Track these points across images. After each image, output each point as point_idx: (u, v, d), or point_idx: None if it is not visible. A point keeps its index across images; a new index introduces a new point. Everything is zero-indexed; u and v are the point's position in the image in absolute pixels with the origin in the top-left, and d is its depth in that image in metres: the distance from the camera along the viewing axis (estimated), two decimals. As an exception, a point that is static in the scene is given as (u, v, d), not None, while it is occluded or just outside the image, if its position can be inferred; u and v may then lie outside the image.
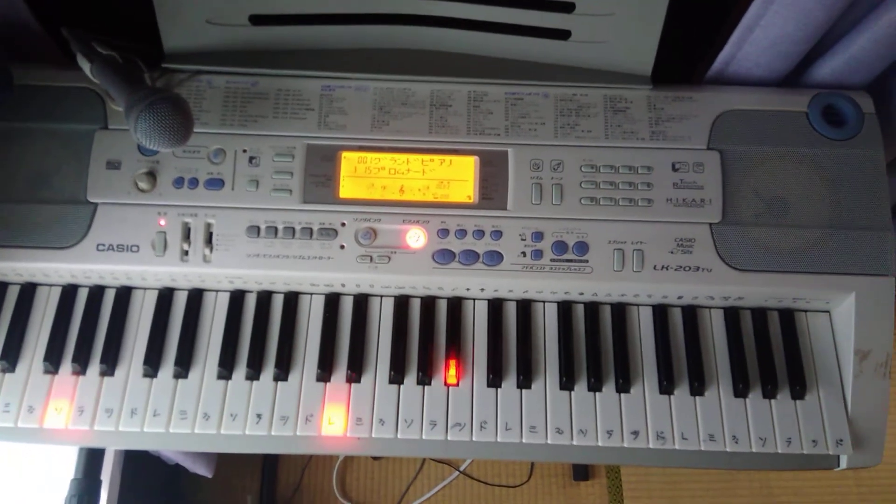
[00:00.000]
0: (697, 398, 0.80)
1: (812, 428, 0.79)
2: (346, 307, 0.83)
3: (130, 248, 0.78)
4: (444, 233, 0.80)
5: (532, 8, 0.80)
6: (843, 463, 0.79)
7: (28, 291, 0.82)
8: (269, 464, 1.64)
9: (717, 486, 1.67)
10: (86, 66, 0.76)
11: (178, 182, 0.80)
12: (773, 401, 0.80)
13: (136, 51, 0.80)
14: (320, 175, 0.81)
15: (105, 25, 0.81)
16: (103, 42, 0.78)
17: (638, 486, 1.67)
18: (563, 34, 0.82)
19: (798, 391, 0.80)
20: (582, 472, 1.67)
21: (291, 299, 0.83)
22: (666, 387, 0.80)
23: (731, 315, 0.84)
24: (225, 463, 1.57)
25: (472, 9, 0.81)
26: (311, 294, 0.84)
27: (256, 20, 0.81)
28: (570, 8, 0.80)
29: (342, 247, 0.80)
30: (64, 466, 0.93)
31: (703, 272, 0.80)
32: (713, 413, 0.79)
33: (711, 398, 0.80)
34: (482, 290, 0.83)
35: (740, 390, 0.80)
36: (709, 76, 0.88)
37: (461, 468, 1.67)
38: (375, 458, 1.67)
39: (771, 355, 0.82)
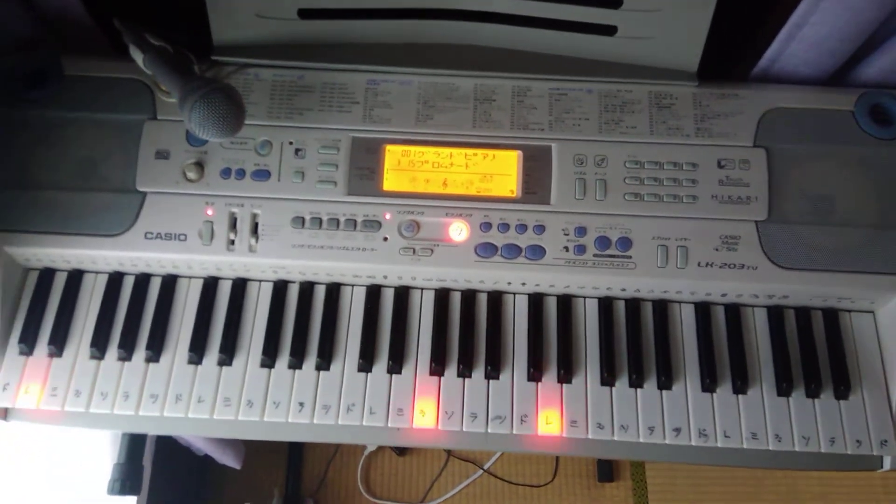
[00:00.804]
0: (740, 396, 0.79)
1: (856, 428, 0.78)
2: (387, 299, 0.84)
3: (178, 236, 0.79)
4: (486, 226, 0.81)
5: (578, 3, 0.80)
6: (888, 464, 0.78)
7: (75, 278, 0.84)
8: (295, 457, 1.65)
9: (743, 488, 1.66)
10: (139, 57, 0.77)
11: (226, 173, 0.81)
12: (816, 400, 0.80)
13: (186, 42, 0.81)
14: (364, 168, 0.82)
15: (155, 17, 0.82)
16: (154, 33, 0.78)
17: (663, 487, 1.66)
18: (610, 30, 0.82)
19: (842, 391, 0.79)
20: (607, 473, 1.66)
21: (333, 290, 0.84)
22: (708, 384, 0.79)
23: (775, 313, 0.83)
24: (252, 455, 1.58)
25: (518, 4, 0.81)
26: (353, 286, 0.84)
27: (304, 14, 0.82)
28: (617, 4, 0.80)
29: (385, 239, 0.80)
30: (102, 452, 0.94)
31: (748, 270, 0.79)
32: (756, 411, 0.79)
33: (754, 396, 0.79)
34: (523, 284, 0.83)
35: (783, 389, 0.79)
36: (754, 73, 0.87)
37: (485, 466, 1.67)
38: (400, 454, 1.68)
39: (815, 354, 0.81)
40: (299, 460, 1.65)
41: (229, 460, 1.34)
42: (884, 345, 0.82)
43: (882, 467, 0.79)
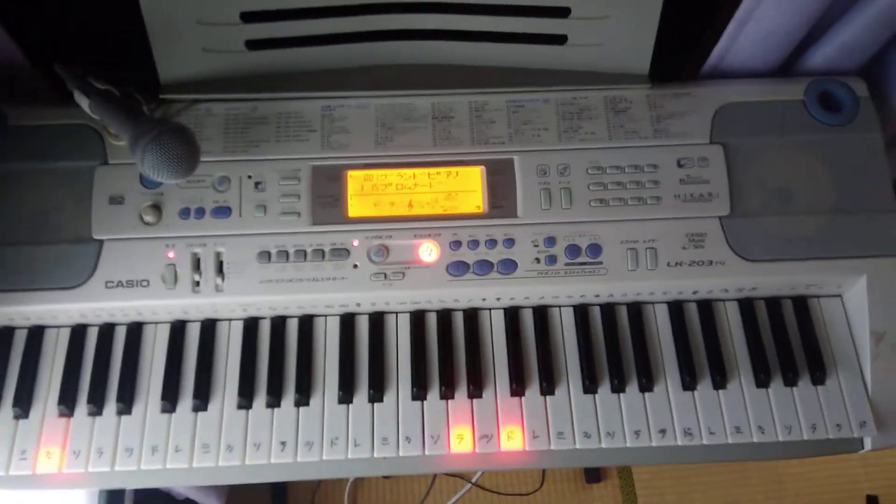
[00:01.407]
0: (721, 392, 0.80)
1: (835, 412, 0.79)
2: (362, 327, 0.82)
3: (140, 283, 0.77)
4: (456, 244, 0.80)
5: (527, 15, 0.81)
6: (868, 444, 0.80)
7: (36, 335, 0.81)
8: (280, 491, 1.61)
9: (728, 477, 1.68)
10: (84, 101, 0.74)
11: (185, 213, 0.79)
12: (794, 388, 0.80)
13: (132, 82, 0.79)
14: (328, 196, 0.81)
15: (98, 58, 0.80)
16: (99, 76, 0.76)
17: (650, 483, 1.67)
18: (560, 39, 0.83)
19: (818, 377, 0.81)
20: (594, 475, 1.67)
21: (306, 323, 0.82)
22: (689, 382, 0.80)
23: (746, 306, 0.84)
24: (234, 492, 1.54)
25: (468, 20, 0.81)
26: (326, 316, 0.83)
27: (252, 45, 0.80)
28: (565, 13, 0.80)
29: (355, 266, 0.79)
30: (82, 510, 0.91)
31: (716, 265, 0.80)
32: (737, 405, 0.79)
33: (734, 391, 0.80)
34: (498, 299, 0.82)
35: (762, 380, 0.80)
36: (704, 70, 0.88)
37: (473, 480, 1.66)
38: (386, 476, 1.66)
39: (789, 343, 0.82)
40: (284, 492, 1.62)
41: (212, 501, 1.31)
42: (853, 327, 0.84)
43: (863, 448, 0.80)
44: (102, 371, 0.79)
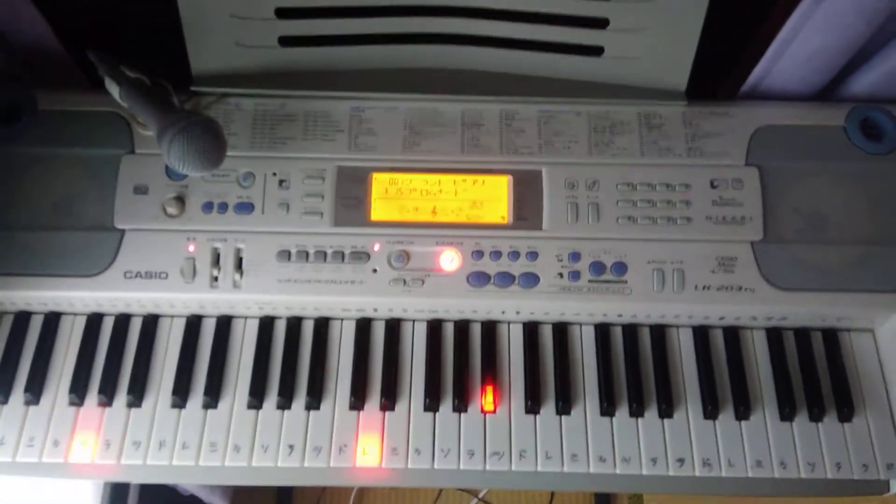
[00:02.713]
0: (743, 423, 0.77)
1: (861, 452, 0.76)
2: (378, 332, 0.81)
3: (159, 274, 0.76)
4: (478, 254, 0.78)
5: (564, 25, 0.79)
6: (894, 487, 0.76)
7: (52, 321, 0.80)
8: (285, 493, 1.60)
9: (741, 507, 1.63)
10: (114, 89, 0.74)
11: (208, 207, 0.78)
12: (820, 424, 0.78)
13: (164, 73, 0.79)
14: (351, 197, 0.80)
15: (132, 49, 0.80)
16: (130, 65, 0.76)
17: (661, 509, 1.63)
18: (597, 50, 0.81)
19: (846, 413, 0.78)
20: (604, 497, 1.64)
21: (322, 325, 0.81)
22: (710, 411, 0.77)
23: (774, 336, 0.81)
24: (240, 492, 1.53)
25: (504, 26, 0.80)
26: (342, 319, 0.82)
27: (285, 42, 0.80)
28: (603, 24, 0.79)
29: (375, 270, 0.78)
30: (86, 500, 0.90)
31: (745, 292, 0.78)
32: (759, 438, 0.77)
33: (757, 422, 0.77)
34: (517, 312, 0.80)
35: (787, 414, 0.77)
36: (743, 90, 0.86)
37: (480, 495, 1.63)
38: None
39: (816, 377, 0.80)
40: (290, 495, 1.61)
41: (217, 500, 1.30)
42: (885, 364, 0.81)
43: (889, 490, 0.77)
44: (115, 362, 0.78)
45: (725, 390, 0.79)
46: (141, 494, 1.11)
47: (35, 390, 0.77)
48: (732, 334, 0.81)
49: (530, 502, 1.64)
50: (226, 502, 1.32)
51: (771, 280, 0.78)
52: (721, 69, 0.90)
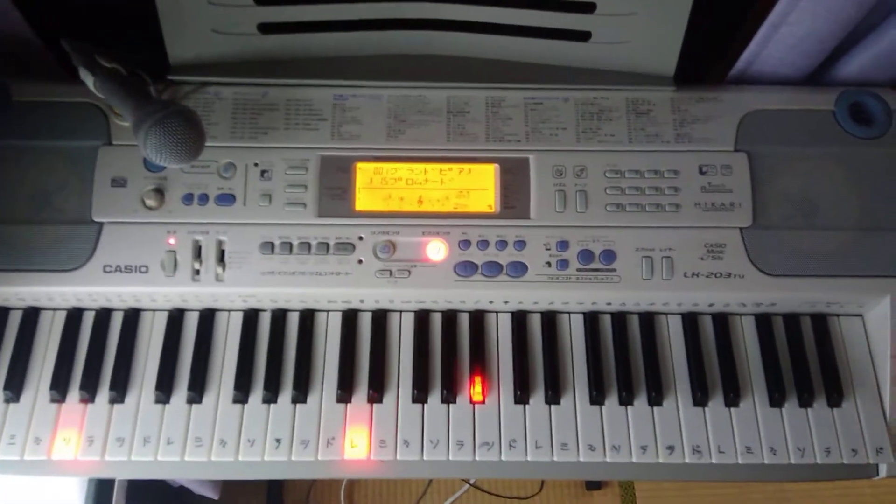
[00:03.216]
0: (732, 409, 0.77)
1: (850, 436, 0.76)
2: (365, 324, 0.80)
3: (139, 268, 0.75)
4: (465, 244, 0.77)
5: (551, 9, 0.78)
6: (883, 471, 0.77)
7: (31, 317, 0.79)
8: (275, 483, 1.60)
9: (731, 490, 1.65)
10: (89, 79, 0.72)
11: (188, 198, 0.77)
12: (809, 410, 0.77)
13: (141, 63, 0.77)
14: (335, 187, 0.78)
15: (107, 37, 0.77)
16: (106, 54, 0.74)
17: (651, 493, 1.64)
18: (584, 35, 0.80)
19: (835, 399, 0.77)
20: (595, 482, 1.64)
21: (307, 317, 0.80)
22: (700, 398, 0.77)
23: (764, 322, 0.81)
24: (230, 484, 1.52)
25: (489, 11, 0.78)
26: (328, 311, 0.80)
27: (265, 28, 0.78)
28: (590, 8, 0.77)
29: (360, 261, 0.76)
30: (71, 497, 0.89)
31: (735, 278, 0.77)
32: (749, 424, 0.76)
33: (747, 409, 0.77)
34: (506, 302, 0.80)
35: (776, 400, 0.77)
36: (731, 75, 0.85)
37: (471, 481, 1.63)
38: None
39: (806, 362, 0.79)
40: (280, 485, 1.61)
41: (207, 491, 1.29)
42: (874, 349, 0.80)
43: (878, 475, 0.77)
44: (97, 357, 0.77)
45: (715, 377, 0.78)
46: (129, 487, 1.10)
47: (15, 387, 0.75)
48: (721, 321, 0.81)
49: (521, 488, 1.64)
50: (216, 493, 1.31)
51: (760, 266, 0.78)
52: (710, 54, 0.89)
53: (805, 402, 0.77)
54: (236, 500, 1.57)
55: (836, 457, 0.76)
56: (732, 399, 0.77)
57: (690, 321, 0.81)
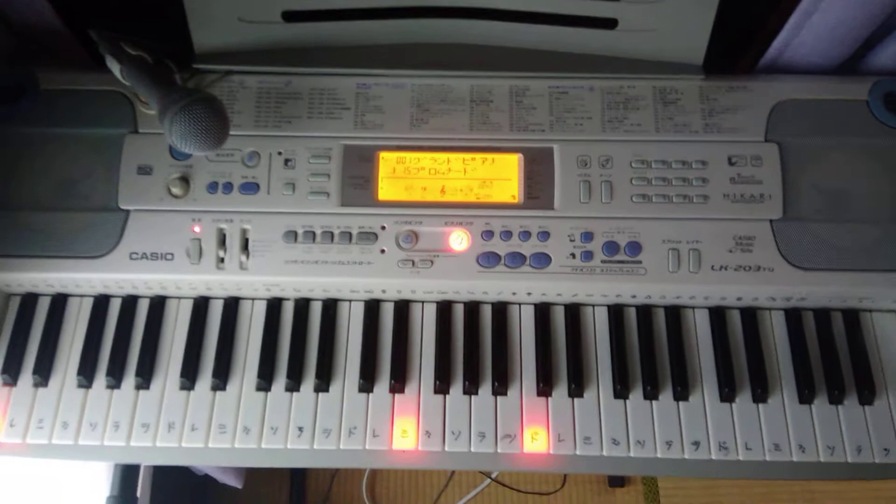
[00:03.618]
0: (760, 405, 0.75)
1: (883, 435, 0.74)
2: (387, 314, 0.80)
3: (165, 256, 0.76)
4: (488, 234, 0.77)
5: (577, -4, 0.77)
6: (916, 471, 0.75)
7: (59, 303, 0.80)
8: (298, 473, 1.61)
9: (757, 489, 1.62)
10: (115, 67, 0.73)
11: (212, 187, 0.77)
12: (839, 407, 0.76)
13: (166, 51, 0.77)
14: (358, 177, 0.78)
15: (133, 26, 0.78)
16: (132, 42, 0.75)
17: (675, 492, 1.62)
18: (610, 23, 0.78)
19: (866, 396, 0.76)
20: (618, 479, 1.63)
21: (330, 307, 0.80)
22: (727, 394, 0.75)
23: (793, 316, 0.79)
24: (253, 473, 1.54)
25: (514, -1, 0.77)
26: (351, 301, 0.80)
27: (290, 17, 0.78)
28: (617, -5, 0.76)
29: (383, 251, 0.76)
30: (98, 483, 0.90)
31: (764, 272, 0.75)
32: (778, 421, 0.75)
33: (775, 405, 0.76)
34: (529, 294, 0.79)
35: (805, 396, 0.75)
36: (762, 64, 0.83)
37: (493, 475, 1.63)
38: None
39: (837, 358, 0.78)
40: (303, 475, 1.62)
41: (230, 479, 1.31)
42: (908, 345, 0.78)
43: (911, 474, 0.75)
44: (123, 344, 0.78)
45: (742, 372, 0.77)
46: (154, 475, 1.12)
47: (44, 372, 0.77)
48: (750, 315, 0.79)
49: (543, 483, 1.63)
50: (239, 482, 1.32)
51: (790, 259, 0.76)
52: (740, 42, 0.87)
53: (835, 400, 0.76)
54: (259, 489, 1.59)
55: (868, 456, 0.74)
56: (760, 395, 0.75)
57: (718, 315, 0.79)
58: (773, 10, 0.81)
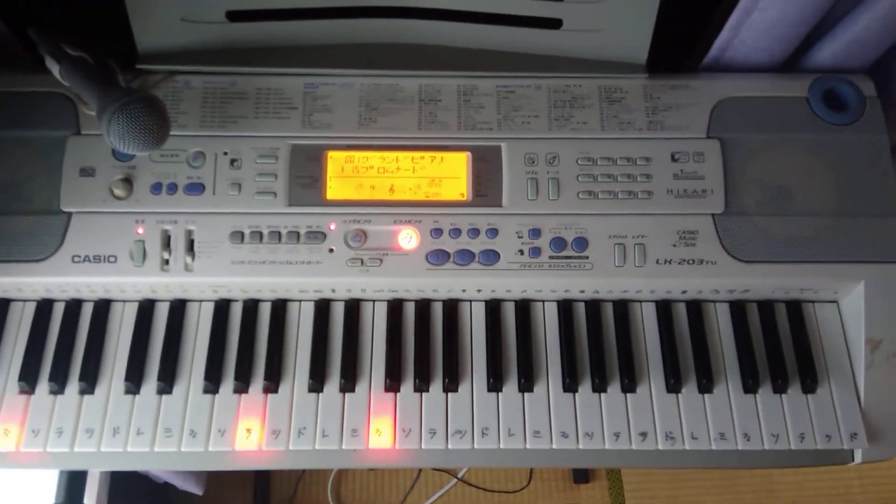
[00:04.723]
0: (706, 396, 0.77)
1: (825, 422, 0.76)
2: (338, 314, 0.80)
3: (108, 258, 0.74)
4: (437, 232, 0.77)
5: (522, -4, 0.77)
6: (858, 457, 0.76)
7: (0, 307, 0.78)
8: (262, 478, 1.59)
9: (719, 482, 1.65)
10: (54, 67, 0.71)
11: (156, 188, 0.76)
12: (783, 396, 0.77)
13: (109, 52, 0.76)
14: (306, 176, 0.78)
15: (76, 26, 0.77)
16: (73, 43, 0.73)
17: (639, 486, 1.64)
18: (555, 23, 0.79)
19: (809, 385, 0.77)
20: (582, 475, 1.64)
21: (279, 307, 0.79)
22: (673, 385, 0.77)
23: (738, 308, 0.81)
24: (216, 479, 1.52)
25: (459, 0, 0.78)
26: (300, 301, 0.80)
27: (234, 16, 0.77)
28: (561, -5, 0.77)
29: (331, 250, 0.76)
30: (44, 491, 0.89)
31: (707, 265, 0.77)
32: (723, 410, 0.76)
33: (720, 395, 0.77)
34: (479, 290, 0.79)
35: (750, 386, 0.77)
36: (705, 63, 0.85)
37: (459, 475, 1.63)
38: (371, 468, 1.63)
39: (780, 349, 0.79)
40: (266, 480, 1.60)
41: (191, 486, 1.29)
42: (848, 335, 0.80)
43: (853, 460, 0.77)
44: (66, 348, 0.76)
45: (688, 364, 0.78)
46: (112, 483, 1.10)
47: (-16, 379, 0.75)
48: (695, 308, 0.81)
49: (510, 481, 1.64)
50: (200, 489, 1.31)
51: (733, 252, 0.77)
52: (684, 42, 0.89)
53: (779, 389, 0.77)
54: (222, 494, 1.57)
55: (811, 443, 0.75)
56: (705, 385, 0.77)
57: (664, 308, 0.81)
58: (714, 9, 0.83)
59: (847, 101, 0.83)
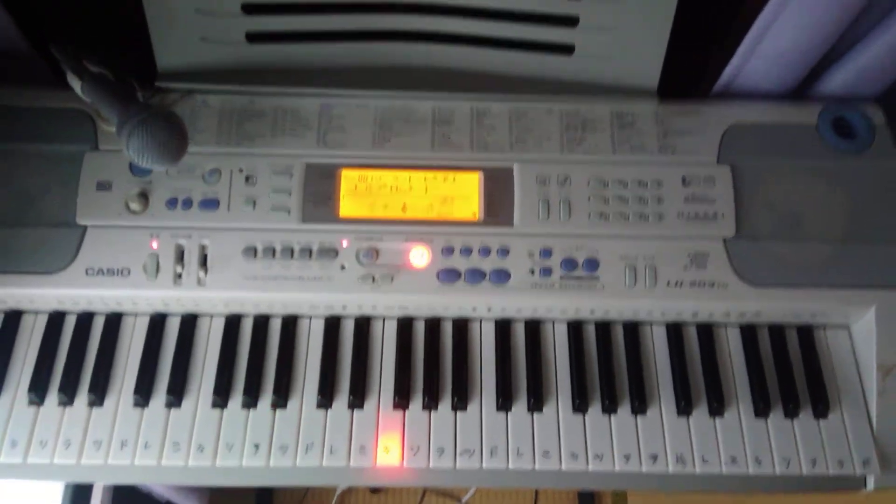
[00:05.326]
0: (717, 419, 0.76)
1: (837, 448, 0.75)
2: (347, 330, 0.80)
3: (121, 271, 0.75)
4: (448, 251, 0.78)
5: (535, 23, 0.79)
6: (871, 484, 0.76)
7: (12, 319, 0.78)
8: (264, 498, 1.58)
9: (727, 509, 1.62)
10: (76, 83, 0.73)
11: (172, 203, 0.77)
12: (795, 420, 0.77)
13: (130, 69, 0.78)
14: (320, 193, 0.79)
15: (97, 43, 0.79)
16: (95, 60, 0.75)
17: (644, 510, 1.62)
18: (567, 49, 0.81)
19: (821, 410, 0.77)
20: (587, 497, 1.63)
21: (290, 323, 0.79)
22: (684, 408, 0.76)
23: (748, 333, 0.81)
24: (218, 497, 1.51)
25: (475, 24, 0.79)
26: (311, 317, 0.80)
27: (253, 38, 0.79)
28: (573, 22, 0.78)
29: (343, 267, 0.77)
30: (51, 501, 0.88)
31: (717, 288, 0.77)
32: (734, 434, 0.76)
33: (731, 419, 0.76)
34: (489, 309, 0.79)
35: (761, 410, 0.76)
36: (716, 89, 0.86)
37: (463, 499, 1.62)
38: (374, 492, 1.62)
39: (791, 373, 0.79)
40: (268, 500, 1.59)
41: (192, 503, 1.28)
42: (860, 360, 0.80)
43: (865, 487, 0.76)
44: (77, 360, 0.77)
45: (699, 387, 0.78)
46: (113, 500, 1.09)
47: (-6, 390, 0.75)
48: (706, 331, 0.81)
49: (514, 502, 1.62)
50: (202, 508, 1.30)
51: (743, 276, 0.78)
52: (694, 68, 0.90)
53: (790, 413, 0.77)
54: (223, 514, 1.56)
55: (823, 468, 0.75)
56: (716, 409, 0.76)
57: (675, 331, 0.80)
58: (724, 36, 0.84)
59: (856, 128, 0.84)
